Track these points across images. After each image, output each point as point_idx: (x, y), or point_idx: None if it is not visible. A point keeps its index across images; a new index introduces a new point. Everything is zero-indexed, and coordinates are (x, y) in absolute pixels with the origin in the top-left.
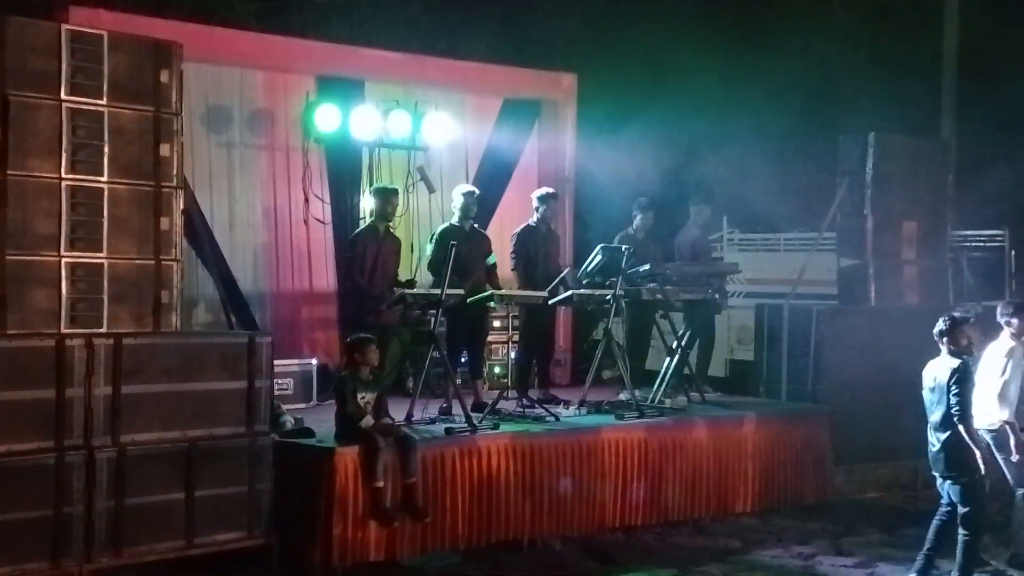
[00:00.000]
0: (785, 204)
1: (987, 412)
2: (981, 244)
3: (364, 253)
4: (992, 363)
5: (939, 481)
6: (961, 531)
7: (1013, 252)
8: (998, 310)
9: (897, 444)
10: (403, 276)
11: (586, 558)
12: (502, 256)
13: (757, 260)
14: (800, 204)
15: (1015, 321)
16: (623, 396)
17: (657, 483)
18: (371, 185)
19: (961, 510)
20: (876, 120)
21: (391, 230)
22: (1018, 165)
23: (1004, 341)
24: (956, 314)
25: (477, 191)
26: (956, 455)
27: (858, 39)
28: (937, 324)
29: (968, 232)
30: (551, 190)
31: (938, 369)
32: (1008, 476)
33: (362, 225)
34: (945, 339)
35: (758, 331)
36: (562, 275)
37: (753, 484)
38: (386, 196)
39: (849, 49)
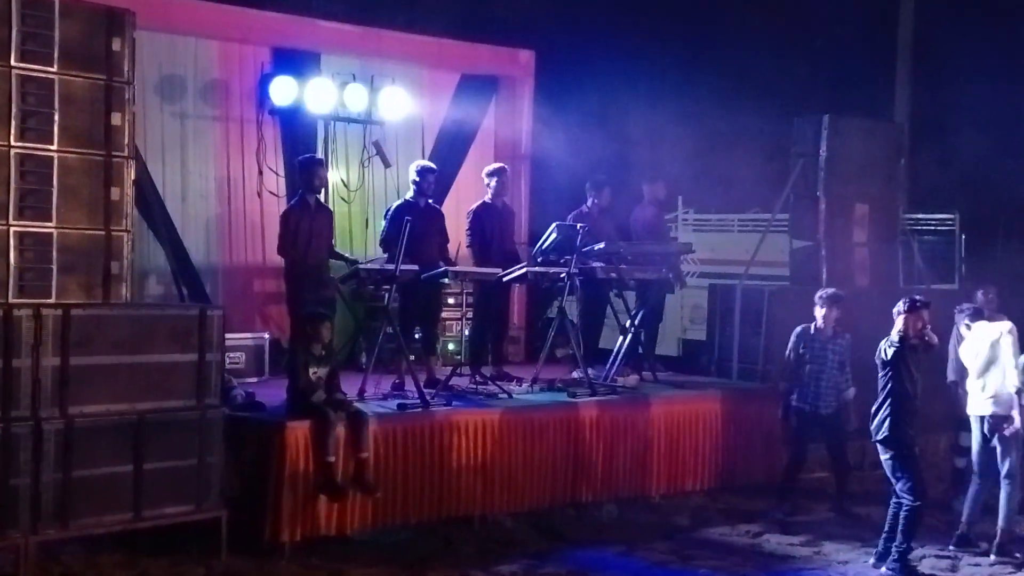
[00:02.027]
0: (739, 185)
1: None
2: (932, 228)
3: (297, 227)
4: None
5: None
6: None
7: (964, 236)
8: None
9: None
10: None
11: (537, 535)
12: (458, 233)
13: (711, 240)
14: (754, 185)
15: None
16: (576, 374)
17: (608, 461)
18: (323, 157)
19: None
20: (830, 102)
21: (321, 202)
22: (970, 150)
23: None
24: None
25: (435, 167)
26: None
27: (814, 21)
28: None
29: (919, 215)
30: (500, 165)
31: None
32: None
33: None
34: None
35: (711, 311)
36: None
37: (703, 462)
38: (312, 167)
39: (805, 31)
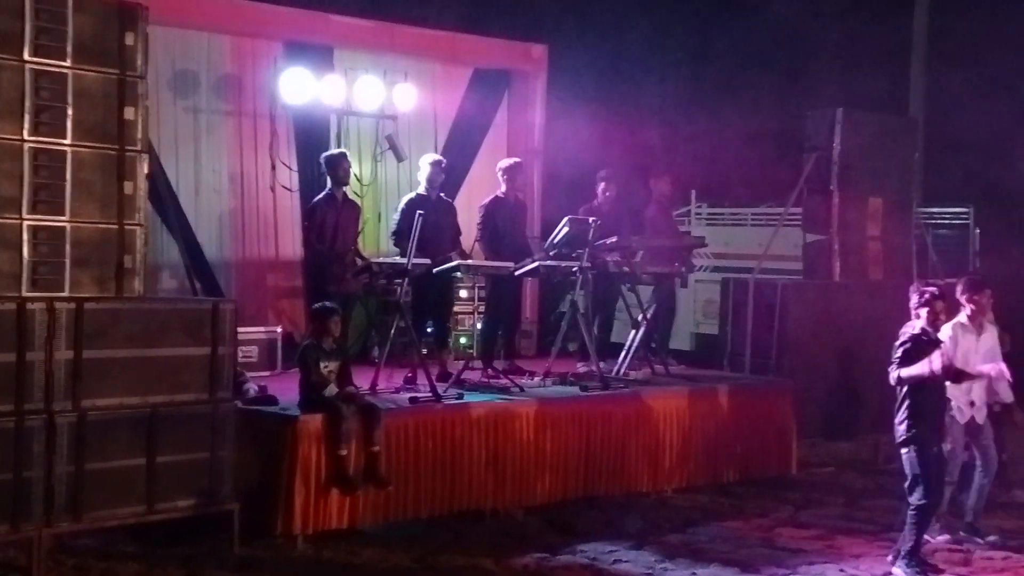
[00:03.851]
0: (752, 178)
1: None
2: (946, 221)
3: (323, 221)
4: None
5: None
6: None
7: (978, 230)
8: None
9: (859, 419)
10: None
11: (548, 528)
12: (470, 227)
13: (724, 234)
14: (767, 179)
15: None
16: (587, 368)
17: (620, 455)
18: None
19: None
20: (844, 96)
21: (348, 196)
22: (984, 143)
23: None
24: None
25: (444, 160)
26: None
27: (829, 15)
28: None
29: (933, 209)
30: (516, 160)
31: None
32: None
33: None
34: None
35: (723, 305)
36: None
37: (716, 457)
38: (336, 161)
39: (819, 25)
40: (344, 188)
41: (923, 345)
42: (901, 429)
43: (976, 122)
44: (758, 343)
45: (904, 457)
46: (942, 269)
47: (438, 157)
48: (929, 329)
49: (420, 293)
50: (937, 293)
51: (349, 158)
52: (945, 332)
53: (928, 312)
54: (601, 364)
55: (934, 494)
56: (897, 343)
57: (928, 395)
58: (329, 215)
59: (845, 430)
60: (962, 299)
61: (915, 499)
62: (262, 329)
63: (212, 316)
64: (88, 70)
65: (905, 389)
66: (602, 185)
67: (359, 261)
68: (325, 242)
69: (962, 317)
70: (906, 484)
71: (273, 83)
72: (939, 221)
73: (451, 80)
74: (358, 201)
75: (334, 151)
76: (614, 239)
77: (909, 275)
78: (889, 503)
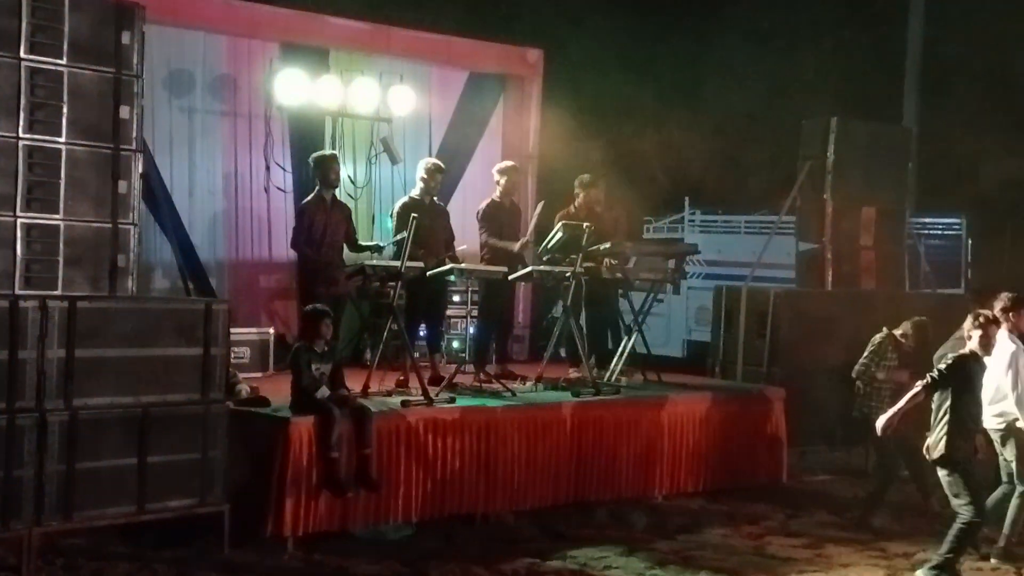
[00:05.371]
0: (746, 186)
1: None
2: (939, 232)
3: (312, 223)
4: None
5: None
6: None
7: (970, 241)
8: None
9: (850, 428)
10: (364, 242)
11: (538, 534)
12: (463, 231)
13: (717, 242)
14: (761, 187)
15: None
16: (579, 373)
17: (611, 461)
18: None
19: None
20: (839, 105)
21: (338, 198)
22: (978, 155)
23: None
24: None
25: (444, 167)
26: None
27: (824, 24)
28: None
29: (926, 219)
30: (512, 163)
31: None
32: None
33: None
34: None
35: (716, 312)
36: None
37: (706, 464)
38: (326, 163)
39: (814, 35)
40: (334, 190)
41: (972, 368)
42: (941, 447)
43: (969, 133)
44: (750, 351)
45: (945, 479)
46: (934, 279)
47: (438, 162)
48: (979, 352)
49: (414, 296)
50: (992, 317)
51: (340, 160)
52: (1003, 350)
53: (981, 336)
54: (593, 370)
55: (982, 512)
56: (941, 362)
57: (970, 410)
58: (319, 217)
59: (837, 439)
60: (1004, 316)
61: (963, 518)
62: (254, 330)
63: (205, 316)
64: (84, 68)
65: (947, 404)
66: (580, 191)
67: (372, 251)
68: (313, 244)
69: (1005, 335)
70: (954, 503)
71: (268, 84)
72: (932, 231)
73: (447, 83)
74: (352, 203)
75: (324, 152)
76: (607, 244)
77: (901, 285)
78: (887, 512)
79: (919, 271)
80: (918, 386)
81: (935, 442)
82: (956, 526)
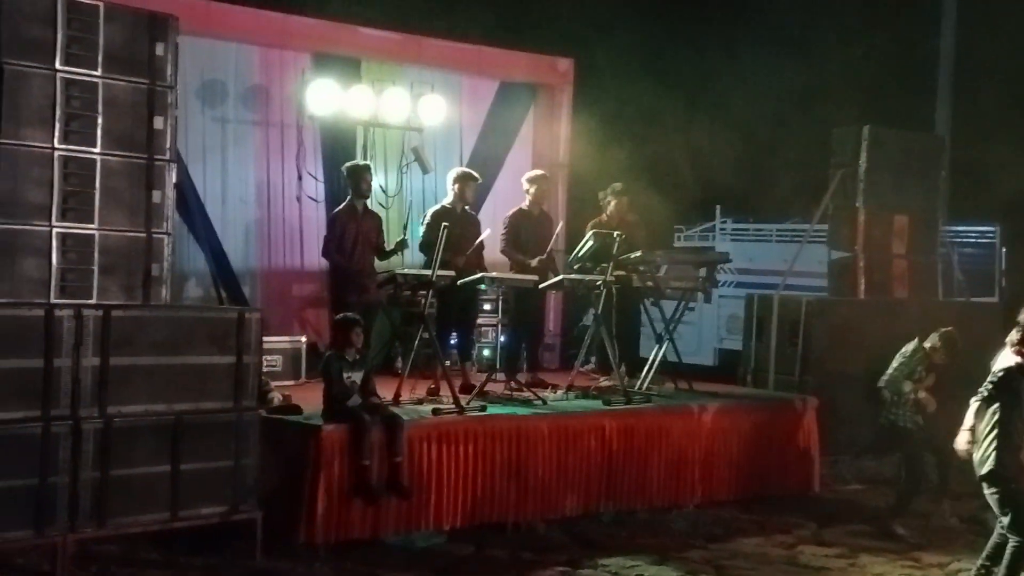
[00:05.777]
0: (778, 195)
1: None
2: (972, 240)
3: (344, 232)
4: None
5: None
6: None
7: (1004, 249)
8: None
9: (882, 438)
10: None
11: (569, 542)
12: (495, 240)
13: (748, 250)
14: (793, 195)
15: None
16: (610, 382)
17: (643, 469)
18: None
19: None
20: (871, 113)
21: (369, 207)
22: (1011, 162)
23: None
24: None
25: (478, 177)
26: None
27: (854, 32)
28: None
29: (960, 228)
30: (541, 172)
31: None
32: None
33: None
34: None
35: (747, 321)
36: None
37: (738, 473)
38: (358, 172)
39: (845, 42)
40: (366, 200)
41: (1019, 381)
42: (988, 463)
43: (1003, 140)
44: (782, 359)
45: (993, 497)
46: (968, 288)
47: (473, 173)
48: None
49: (445, 305)
50: None
51: (372, 170)
52: None
53: None
54: (624, 378)
55: None
56: (994, 376)
57: (1018, 425)
58: (350, 225)
59: (869, 448)
60: None
61: (1013, 540)
62: (287, 339)
63: (238, 325)
64: (118, 79)
65: (996, 417)
66: (612, 199)
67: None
68: (345, 253)
69: None
70: (1002, 521)
71: (300, 94)
72: (965, 240)
73: (477, 93)
74: (383, 213)
75: (357, 162)
76: (638, 253)
77: (934, 293)
78: (914, 521)
79: (952, 279)
80: (975, 402)
81: (983, 458)
82: (1010, 548)
